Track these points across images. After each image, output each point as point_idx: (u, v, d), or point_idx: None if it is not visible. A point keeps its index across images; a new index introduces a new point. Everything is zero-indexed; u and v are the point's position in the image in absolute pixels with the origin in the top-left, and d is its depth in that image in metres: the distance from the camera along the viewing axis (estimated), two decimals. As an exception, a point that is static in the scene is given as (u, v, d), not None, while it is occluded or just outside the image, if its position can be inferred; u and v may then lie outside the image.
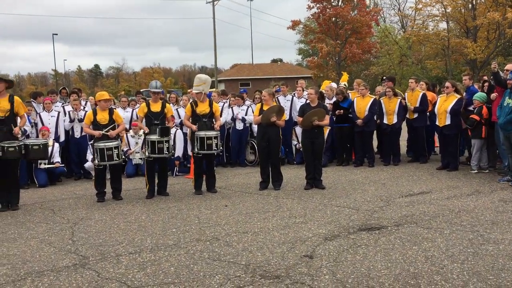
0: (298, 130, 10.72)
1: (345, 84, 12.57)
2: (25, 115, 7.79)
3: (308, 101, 8.79)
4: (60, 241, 5.71)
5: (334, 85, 13.30)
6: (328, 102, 10.62)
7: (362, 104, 10.37)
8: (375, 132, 11.00)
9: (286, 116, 9.43)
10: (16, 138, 7.42)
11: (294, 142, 11.25)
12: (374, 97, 10.83)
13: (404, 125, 10.84)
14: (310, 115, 8.17)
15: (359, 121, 10.27)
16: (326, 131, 9.90)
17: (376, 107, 10.39)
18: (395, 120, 10.37)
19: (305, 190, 8.20)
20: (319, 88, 10.94)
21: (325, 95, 11.13)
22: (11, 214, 7.21)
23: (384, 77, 12.25)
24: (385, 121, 10.45)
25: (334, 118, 10.65)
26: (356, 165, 10.53)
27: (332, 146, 11.07)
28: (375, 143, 11.27)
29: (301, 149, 10.11)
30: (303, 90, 11.61)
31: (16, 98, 7.51)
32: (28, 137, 9.32)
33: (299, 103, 10.89)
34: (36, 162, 9.39)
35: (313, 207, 6.94)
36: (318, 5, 37.71)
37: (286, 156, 11.34)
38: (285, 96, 11.49)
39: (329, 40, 37.59)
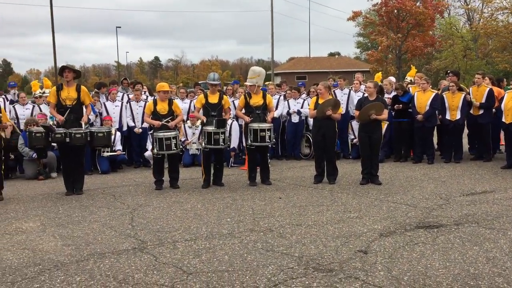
0: (355, 124, 10.55)
1: (411, 79, 12.19)
2: (90, 104, 8.15)
3: (366, 95, 8.63)
4: (120, 225, 5.95)
5: (392, 79, 12.97)
6: (387, 96, 10.36)
7: (423, 99, 10.04)
8: (435, 128, 10.63)
9: (342, 110, 9.30)
10: (81, 125, 7.78)
11: (351, 137, 11.09)
12: (436, 91, 10.46)
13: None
14: (367, 108, 8.02)
15: (419, 116, 9.95)
16: (384, 125, 9.68)
17: (438, 102, 10.03)
18: (458, 116, 9.97)
19: (360, 185, 8.07)
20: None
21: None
22: (76, 198, 7.59)
23: (448, 71, 11.77)
24: (447, 116, 10.07)
25: (393, 113, 10.39)
26: (415, 161, 10.23)
27: (390, 141, 10.81)
28: (435, 139, 10.90)
29: (357, 144, 9.96)
30: (360, 84, 11.42)
31: (82, 87, 7.87)
32: (92, 125, 9.76)
33: (356, 96, 10.73)
34: (99, 150, 9.81)
35: (369, 203, 6.83)
36: (380, -5, 36.72)
37: (342, 150, 11.20)
38: (342, 90, 11.34)
39: (390, 33, 36.59)
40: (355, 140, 10.70)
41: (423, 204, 6.67)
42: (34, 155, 9.26)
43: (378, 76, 12.85)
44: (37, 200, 7.53)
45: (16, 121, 10.24)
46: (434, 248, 4.83)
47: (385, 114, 8.18)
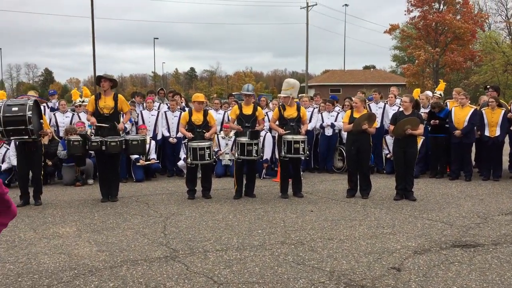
0: (388, 139, 10.41)
1: (440, 94, 11.97)
2: (129, 112, 8.33)
3: (401, 109, 8.51)
4: (153, 233, 6.03)
5: (429, 93, 12.74)
6: (423, 111, 10.18)
7: (461, 114, 9.81)
8: (473, 144, 10.35)
9: (377, 124, 9.19)
10: (118, 133, 7.96)
11: (385, 151, 10.93)
12: (475, 107, 10.21)
13: (506, 138, 10.09)
14: (403, 123, 7.90)
15: (457, 132, 9.72)
16: (420, 141, 9.49)
17: (477, 118, 9.78)
18: (498, 133, 9.69)
19: (394, 200, 7.93)
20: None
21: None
22: (111, 205, 7.75)
23: (488, 86, 11.48)
24: (486, 133, 9.79)
25: (429, 128, 10.19)
26: (451, 178, 9.98)
27: (425, 157, 10.59)
28: (472, 155, 10.61)
29: (391, 158, 9.81)
30: (395, 98, 11.27)
31: (120, 96, 8.07)
32: (128, 134, 9.96)
33: (391, 110, 10.59)
34: (136, 158, 10.00)
35: (403, 219, 6.70)
36: (418, 9, 36.28)
37: (376, 164, 11.04)
38: (377, 103, 11.22)
39: (427, 47, 36.02)
40: (389, 155, 10.54)
41: (459, 222, 6.49)
42: (64, 154, 9.47)
43: (417, 91, 12.64)
44: (74, 206, 7.73)
45: (56, 129, 10.56)
46: (471, 268, 4.69)
47: (420, 129, 8.03)
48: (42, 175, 8.19)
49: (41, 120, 7.76)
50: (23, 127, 7.10)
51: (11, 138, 7.38)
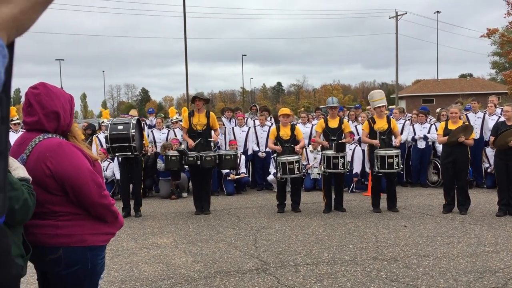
0: (489, 151, 9.79)
1: None
2: (218, 129, 8.66)
3: (503, 119, 7.97)
4: (244, 245, 6.17)
5: (535, 101, 11.81)
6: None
7: None
8: None
9: (476, 135, 8.70)
10: (211, 149, 8.30)
11: (485, 165, 10.27)
12: None
13: None
14: (506, 134, 7.39)
15: None
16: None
17: None
18: None
19: (497, 216, 7.42)
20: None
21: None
22: (204, 218, 8.04)
23: None
24: None
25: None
26: (562, 193, 9.12)
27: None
28: None
29: (492, 172, 9.20)
30: (495, 107, 10.59)
31: (211, 113, 8.41)
32: (219, 148, 10.32)
33: (490, 121, 9.97)
34: (227, 173, 10.32)
35: (507, 236, 6.24)
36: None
37: (475, 178, 10.41)
38: (475, 113, 10.61)
39: (530, 51, 33.43)
40: (490, 169, 9.89)
41: None
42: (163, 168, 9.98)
43: None
44: (170, 218, 8.13)
45: (153, 144, 11.21)
46: None
47: (525, 140, 7.46)
48: (141, 188, 8.72)
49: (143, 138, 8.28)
50: (127, 144, 7.62)
51: (116, 154, 7.96)
